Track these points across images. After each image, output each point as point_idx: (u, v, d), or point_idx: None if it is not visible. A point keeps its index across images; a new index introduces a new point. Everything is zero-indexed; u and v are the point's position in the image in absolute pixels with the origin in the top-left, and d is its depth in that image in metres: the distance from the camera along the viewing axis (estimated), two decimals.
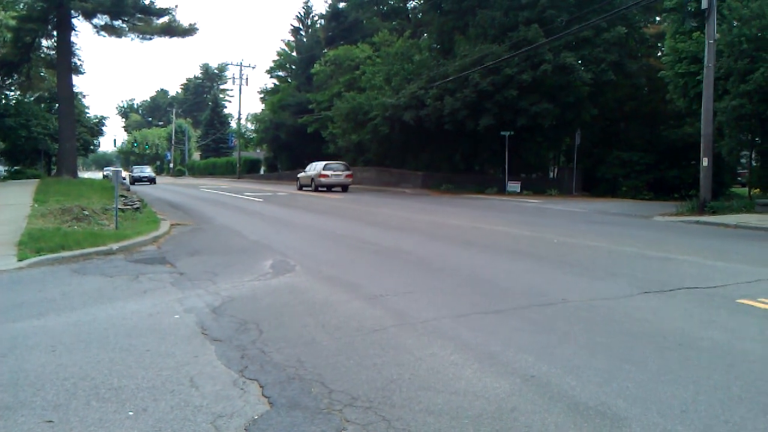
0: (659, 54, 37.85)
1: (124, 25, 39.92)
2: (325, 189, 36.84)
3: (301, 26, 74.46)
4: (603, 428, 4.10)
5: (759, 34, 22.78)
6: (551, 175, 46.47)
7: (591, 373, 5.08)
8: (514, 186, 36.44)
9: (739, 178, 38.78)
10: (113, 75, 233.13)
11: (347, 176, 37.13)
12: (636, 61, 37.39)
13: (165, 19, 40.22)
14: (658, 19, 39.76)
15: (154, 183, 54.99)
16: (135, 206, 19.49)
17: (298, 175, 41.37)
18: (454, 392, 4.73)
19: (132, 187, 39.51)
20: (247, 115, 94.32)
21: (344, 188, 37.37)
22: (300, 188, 39.84)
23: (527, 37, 32.91)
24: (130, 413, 4.43)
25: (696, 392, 4.66)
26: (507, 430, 4.10)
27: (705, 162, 21.43)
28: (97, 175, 71.19)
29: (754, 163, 29.67)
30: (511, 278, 9.36)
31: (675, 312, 7.11)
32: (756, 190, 27.44)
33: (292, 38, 74.84)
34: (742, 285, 8.61)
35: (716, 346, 5.80)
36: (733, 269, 10.01)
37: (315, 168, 37.78)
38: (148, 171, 60.99)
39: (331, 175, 36.56)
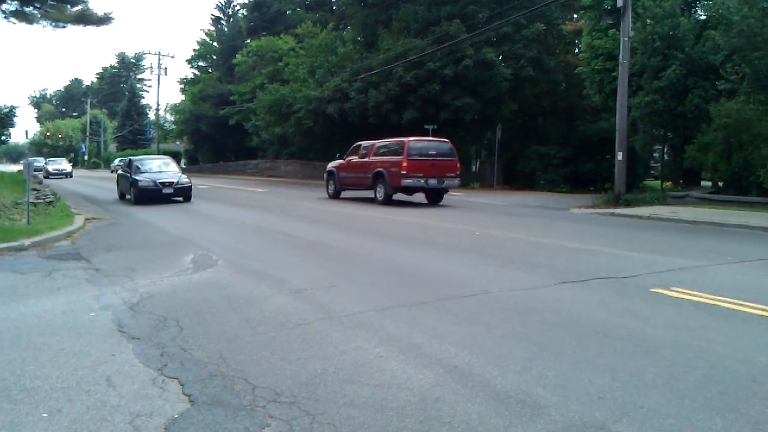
0: (576, 51, 39.09)
1: (36, 12, 38.15)
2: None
3: (222, 16, 73.21)
4: (523, 416, 4.18)
5: (671, 33, 23.76)
6: (473, 168, 47.19)
7: (512, 362, 5.19)
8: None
9: (652, 172, 40.28)
10: (24, 63, 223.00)
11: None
12: (554, 57, 38.37)
13: (79, 6, 38.71)
14: (575, 16, 40.97)
15: (71, 177, 52.56)
16: (48, 200, 18.77)
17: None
18: (379, 385, 4.74)
19: (46, 181, 38.00)
20: (167, 106, 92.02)
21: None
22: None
23: (449, 32, 33.27)
24: (44, 415, 4.26)
25: (613, 379, 4.82)
26: (431, 420, 4.13)
27: (620, 156, 22.15)
28: (10, 168, 67.52)
29: (665, 157, 30.98)
30: (435, 270, 9.46)
31: (591, 301, 7.33)
32: (668, 183, 28.61)
33: (212, 28, 73.53)
34: (656, 274, 8.96)
35: (631, 334, 6.00)
36: (646, 259, 10.40)
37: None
38: (63, 164, 58.37)
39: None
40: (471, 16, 34.76)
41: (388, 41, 36.66)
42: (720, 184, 24.70)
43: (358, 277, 8.93)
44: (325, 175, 26.47)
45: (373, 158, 22.88)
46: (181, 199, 22.84)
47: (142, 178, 22.20)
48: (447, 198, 24.02)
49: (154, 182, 22.04)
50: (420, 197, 23.50)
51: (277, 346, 5.67)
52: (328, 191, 25.94)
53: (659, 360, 5.26)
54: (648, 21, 24.57)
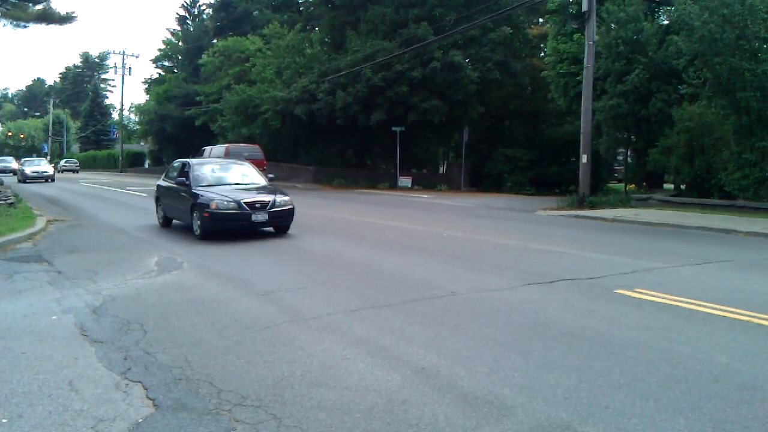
0: (542, 54, 39.39)
1: None
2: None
3: (187, 15, 72.44)
4: (490, 417, 4.20)
5: (634, 37, 24.07)
6: (441, 170, 47.43)
7: (479, 364, 5.20)
8: (405, 181, 36.89)
9: (616, 174, 40.78)
10: None
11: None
12: (520, 60, 38.66)
13: (41, 5, 38.03)
14: (541, 20, 41.29)
15: (53, 181, 43.59)
16: (9, 201, 18.37)
17: None
18: (346, 387, 4.72)
19: (22, 186, 35.53)
20: (131, 106, 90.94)
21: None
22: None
23: (417, 35, 33.37)
24: (4, 420, 4.18)
25: (579, 379, 4.86)
26: (398, 422, 4.13)
27: (584, 159, 22.39)
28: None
29: (629, 160, 31.38)
30: (403, 272, 9.46)
31: (557, 302, 7.40)
32: (631, 186, 28.96)
33: (178, 27, 72.71)
34: (620, 276, 9.07)
35: (597, 334, 6.07)
36: (611, 261, 10.53)
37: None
38: (43, 165, 47.35)
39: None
40: (438, 19, 34.90)
41: (356, 43, 36.64)
42: (682, 186, 25.07)
43: (326, 280, 8.89)
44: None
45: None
46: (273, 229, 14.13)
47: (214, 195, 13.15)
48: (414, 199, 24.10)
49: (237, 203, 12.96)
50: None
51: (243, 349, 5.62)
52: None
53: (623, 360, 5.32)
54: (612, 26, 24.88)
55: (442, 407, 4.35)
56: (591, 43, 22.27)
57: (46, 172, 44.88)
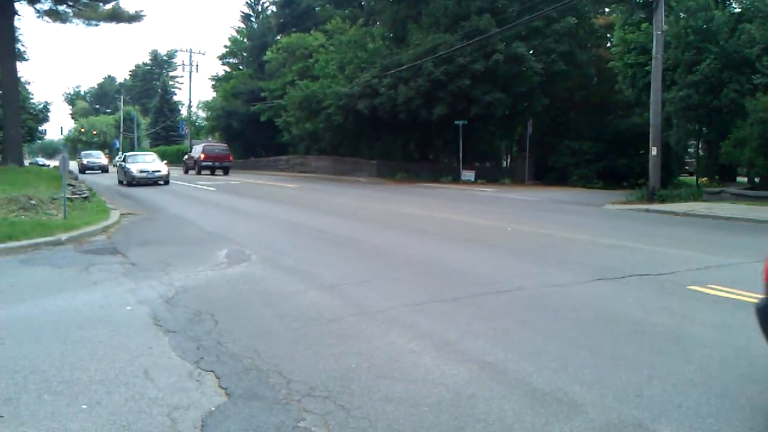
0: (608, 45, 38.48)
1: (69, 11, 38.81)
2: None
3: (251, 13, 73.59)
4: (560, 414, 4.15)
5: (704, 26, 23.34)
6: (504, 164, 46.90)
7: (547, 359, 5.14)
8: (468, 175, 36.64)
9: (687, 167, 39.69)
10: (59, 61, 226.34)
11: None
12: (586, 51, 37.87)
13: (111, 5, 39.31)
14: (607, 10, 40.39)
15: (106, 171, 46.93)
16: (84, 195, 19.05)
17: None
18: (413, 380, 4.74)
19: (80, 176, 36.99)
20: (198, 103, 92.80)
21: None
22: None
23: (479, 27, 33.02)
24: (84, 406, 4.33)
25: (650, 377, 4.75)
26: (466, 417, 4.12)
27: (654, 151, 21.85)
28: (48, 163, 67.32)
29: (700, 153, 30.47)
30: (467, 266, 9.42)
31: (628, 298, 7.24)
32: (703, 179, 28.14)
33: (242, 25, 73.93)
34: (692, 272, 8.82)
35: (669, 331, 5.92)
36: (682, 256, 10.25)
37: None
38: (99, 157, 50.93)
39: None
40: (501, 11, 34.47)
41: (418, 36, 36.52)
42: (756, 179, 24.24)
43: (390, 273, 8.93)
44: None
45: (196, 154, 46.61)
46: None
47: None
48: (477, 193, 23.96)
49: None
50: None
51: (311, 341, 5.70)
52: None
53: (697, 358, 5.18)
54: (681, 14, 24.19)
55: (510, 403, 4.32)
56: (660, 32, 21.67)
57: (99, 162, 45.00)
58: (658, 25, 21.74)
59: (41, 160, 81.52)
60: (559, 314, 6.55)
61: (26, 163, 42.27)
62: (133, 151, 53.90)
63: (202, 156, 44.16)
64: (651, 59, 22.52)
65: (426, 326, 6.13)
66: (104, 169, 48.27)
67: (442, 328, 6.07)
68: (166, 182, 30.73)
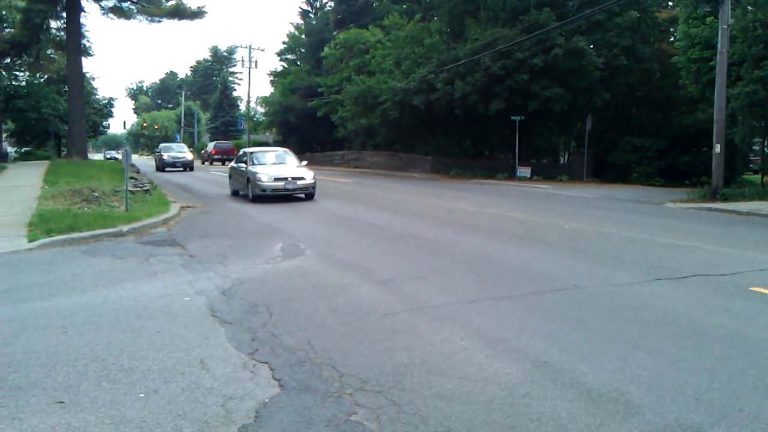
0: (672, 39, 37.51)
1: (133, 7, 39.91)
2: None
3: (309, 9, 74.07)
4: (616, 415, 4.07)
5: None
6: (562, 160, 46.18)
7: (604, 360, 5.05)
8: (524, 171, 36.19)
9: (752, 165, 38.43)
10: (122, 57, 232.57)
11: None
12: (648, 45, 36.93)
13: (173, 1, 40.14)
14: (670, 3, 39.37)
15: (192, 169, 40.13)
16: (145, 188, 19.53)
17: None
18: (465, 377, 4.71)
19: (161, 175, 34.59)
20: (257, 98, 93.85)
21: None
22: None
23: (539, 21, 32.56)
24: (141, 395, 4.44)
25: (710, 380, 4.62)
26: (518, 415, 4.07)
27: (717, 148, 21.20)
28: (117, 156, 68.39)
29: (766, 151, 29.41)
30: (522, 264, 9.31)
31: (688, 299, 7.05)
32: None
33: (301, 21, 74.51)
34: (755, 273, 8.54)
35: (730, 334, 5.74)
36: (745, 257, 9.92)
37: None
38: (183, 151, 42.46)
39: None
40: (561, 4, 33.92)
41: (476, 31, 36.20)
42: None
43: (445, 269, 8.89)
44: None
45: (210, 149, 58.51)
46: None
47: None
48: (534, 190, 23.64)
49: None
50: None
51: (364, 335, 5.72)
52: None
53: (760, 362, 5.01)
54: (749, 8, 23.35)
55: (565, 403, 4.26)
56: (725, 26, 20.98)
57: (184, 157, 39.93)
58: (723, 18, 21.06)
59: (110, 153, 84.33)
60: (617, 314, 6.41)
61: (99, 157, 42.66)
62: (194, 146, 66.23)
63: (213, 150, 57.67)
64: (716, 54, 21.83)
65: (480, 323, 6.09)
66: (189, 166, 40.45)
67: (496, 325, 6.02)
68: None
